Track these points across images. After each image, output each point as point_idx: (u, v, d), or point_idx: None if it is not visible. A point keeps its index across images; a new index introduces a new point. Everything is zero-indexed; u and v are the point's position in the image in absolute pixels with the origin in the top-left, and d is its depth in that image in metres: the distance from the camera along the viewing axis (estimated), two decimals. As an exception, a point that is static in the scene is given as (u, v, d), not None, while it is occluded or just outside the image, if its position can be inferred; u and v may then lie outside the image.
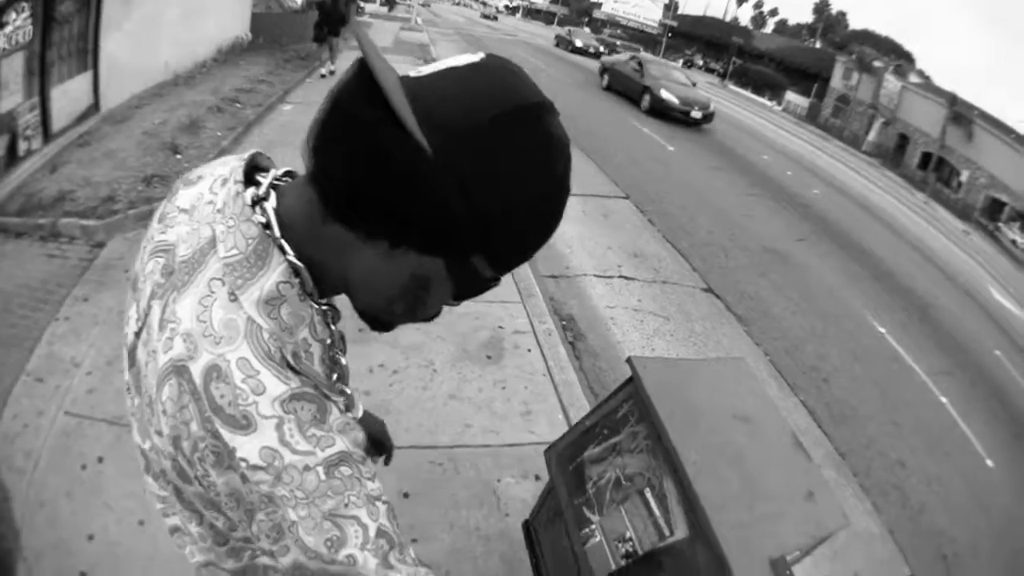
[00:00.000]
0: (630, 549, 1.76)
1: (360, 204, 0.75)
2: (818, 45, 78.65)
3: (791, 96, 53.27)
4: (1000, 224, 41.01)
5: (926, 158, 43.10)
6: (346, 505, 0.79)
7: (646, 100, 21.07)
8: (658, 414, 1.87)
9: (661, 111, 20.35)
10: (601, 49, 41.46)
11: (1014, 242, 41.42)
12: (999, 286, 20.15)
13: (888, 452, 6.18)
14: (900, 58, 49.16)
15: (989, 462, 7.45)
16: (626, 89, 22.91)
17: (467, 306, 5.07)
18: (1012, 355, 12.36)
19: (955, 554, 5.46)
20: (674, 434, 1.82)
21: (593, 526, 1.90)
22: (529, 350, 4.99)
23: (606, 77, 25.03)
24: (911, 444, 6.59)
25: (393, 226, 0.76)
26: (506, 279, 5.17)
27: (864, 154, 41.12)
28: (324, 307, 0.90)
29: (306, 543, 0.77)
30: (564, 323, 5.60)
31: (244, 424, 0.75)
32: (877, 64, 46.80)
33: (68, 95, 7.09)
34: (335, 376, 0.96)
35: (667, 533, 1.76)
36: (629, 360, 2.02)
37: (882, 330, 9.18)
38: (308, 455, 0.76)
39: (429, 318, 0.95)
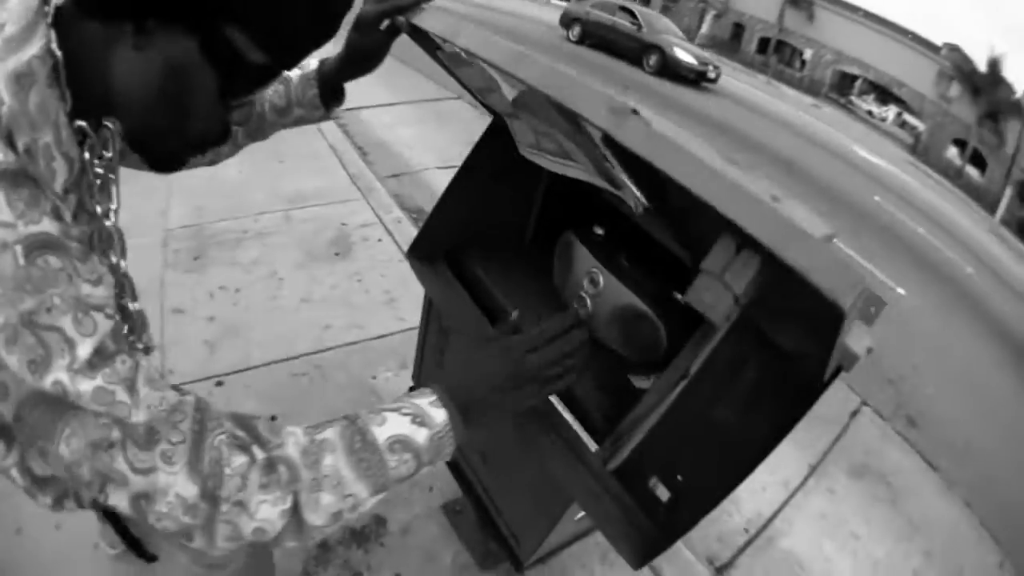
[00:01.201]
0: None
1: None
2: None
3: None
4: (852, 97, 43.23)
5: (764, 43, 44.82)
6: (48, 310, 0.73)
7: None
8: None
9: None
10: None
11: (870, 113, 43.77)
12: (862, 146, 21.59)
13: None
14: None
15: (900, 290, 7.63)
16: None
17: (306, 210, 4.81)
18: (889, 197, 13.12)
19: (900, 377, 5.77)
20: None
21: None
22: (380, 240, 4.78)
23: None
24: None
25: None
26: (341, 177, 4.60)
27: (698, 46, 42.33)
28: (80, 124, 0.84)
29: (11, 367, 0.73)
30: (413, 215, 5.30)
31: None
32: (704, -40, 47.94)
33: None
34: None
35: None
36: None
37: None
38: (6, 227, 0.71)
39: (211, 139, 0.94)
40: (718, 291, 0.67)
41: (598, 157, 1.30)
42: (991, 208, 35.92)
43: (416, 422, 1.03)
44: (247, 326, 3.66)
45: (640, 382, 1.61)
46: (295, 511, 0.91)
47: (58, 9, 0.79)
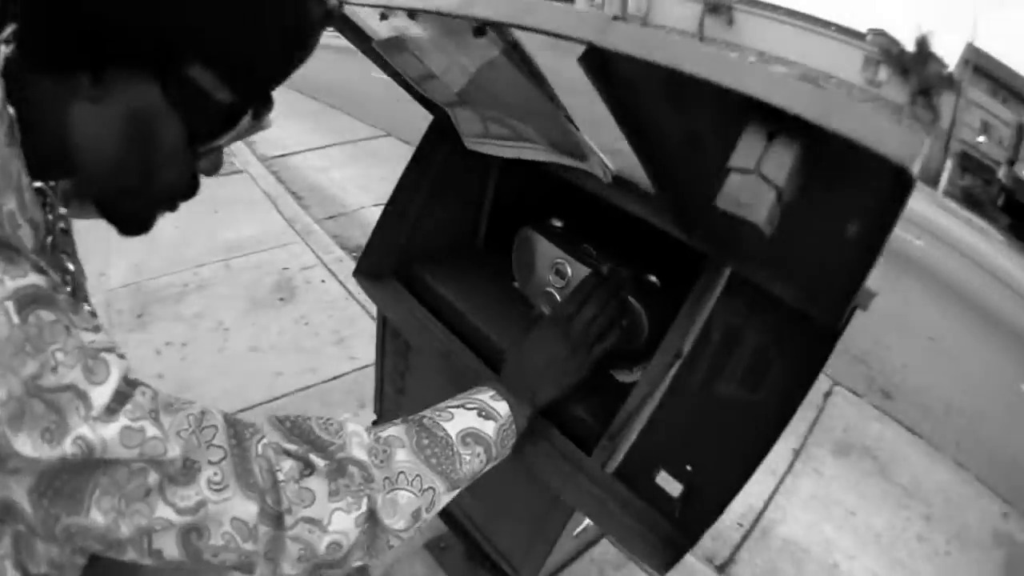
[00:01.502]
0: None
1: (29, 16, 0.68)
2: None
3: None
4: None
5: (686, 53, 45.93)
6: (54, 369, 0.64)
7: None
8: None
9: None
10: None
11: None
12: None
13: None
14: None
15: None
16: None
17: (246, 258, 4.81)
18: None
19: (868, 353, 5.81)
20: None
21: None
22: (323, 281, 4.67)
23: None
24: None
25: (71, 36, 0.68)
26: (278, 222, 4.38)
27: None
28: (40, 185, 0.84)
29: (22, 451, 0.62)
30: (353, 254, 5.22)
31: None
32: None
33: None
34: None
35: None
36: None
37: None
38: None
39: (180, 192, 0.88)
40: (756, 187, 0.55)
41: (560, 127, 1.19)
42: (932, 182, 36.76)
43: (482, 415, 1.07)
44: (197, 381, 3.51)
45: (624, 376, 1.50)
46: (371, 516, 0.86)
47: (7, 60, 0.70)
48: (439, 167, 1.73)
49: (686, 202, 1.05)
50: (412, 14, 1.08)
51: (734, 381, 1.17)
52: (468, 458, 1.00)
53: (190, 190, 0.89)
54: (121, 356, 0.74)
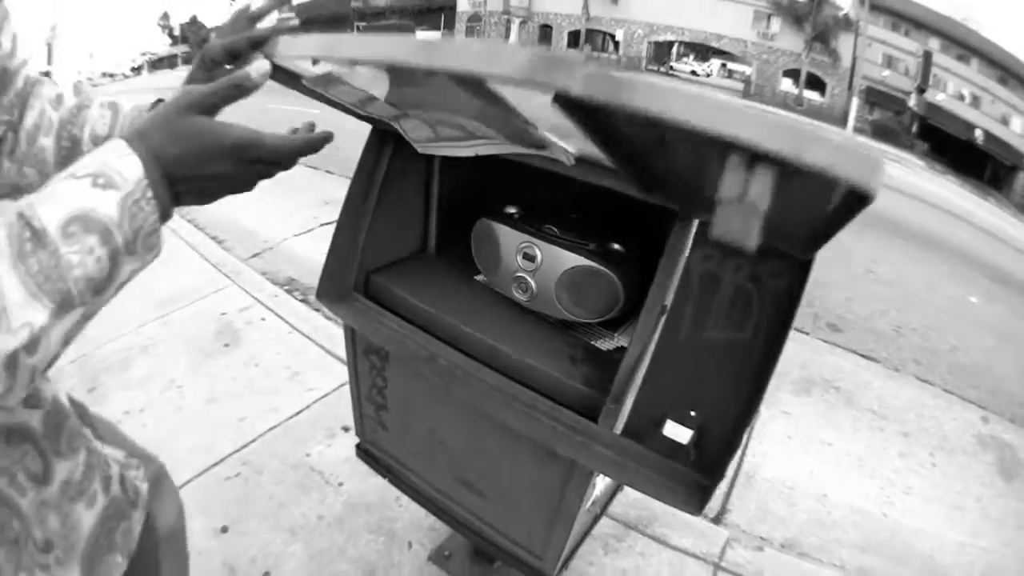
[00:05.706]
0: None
1: None
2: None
3: (421, 35, 53.79)
4: (672, 64, 44.82)
5: (575, 36, 46.09)
6: None
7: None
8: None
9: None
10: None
11: (694, 72, 45.45)
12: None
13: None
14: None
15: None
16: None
17: (183, 310, 4.82)
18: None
19: (807, 291, 5.81)
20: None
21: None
22: (263, 319, 4.66)
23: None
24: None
25: None
26: (206, 269, 4.27)
27: (511, 54, 43.81)
28: None
29: None
30: (285, 287, 5.26)
31: None
32: (496, -26, 48.79)
33: None
34: None
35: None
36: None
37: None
38: None
39: None
40: (744, 214, 0.61)
41: (513, 124, 1.23)
42: (841, 122, 38.11)
43: (99, 184, 0.73)
44: (164, 445, 3.28)
45: (605, 343, 1.58)
46: None
47: None
48: (384, 175, 1.77)
49: (653, 175, 1.12)
50: (352, 63, 1.02)
51: (720, 323, 1.27)
52: (77, 258, 0.70)
53: None
54: None
